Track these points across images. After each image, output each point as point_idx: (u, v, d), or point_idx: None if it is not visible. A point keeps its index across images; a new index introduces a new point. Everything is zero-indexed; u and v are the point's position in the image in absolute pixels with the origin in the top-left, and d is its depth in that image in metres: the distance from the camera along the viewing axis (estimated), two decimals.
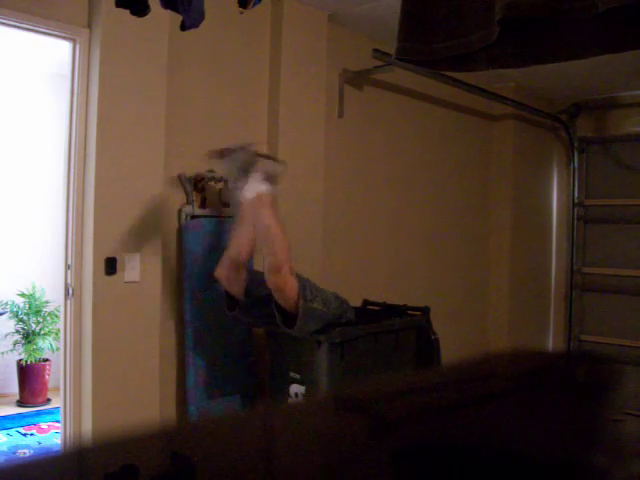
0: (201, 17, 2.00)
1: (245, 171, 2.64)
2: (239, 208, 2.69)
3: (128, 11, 1.95)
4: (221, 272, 2.69)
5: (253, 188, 2.59)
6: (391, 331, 2.96)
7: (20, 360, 4.54)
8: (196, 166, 3.00)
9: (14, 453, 3.63)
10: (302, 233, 3.32)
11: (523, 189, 5.14)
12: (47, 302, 4.68)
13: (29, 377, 4.53)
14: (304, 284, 2.58)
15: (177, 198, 2.99)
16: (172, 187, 2.97)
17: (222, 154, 2.73)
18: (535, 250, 5.37)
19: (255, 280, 2.70)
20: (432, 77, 3.82)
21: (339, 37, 3.67)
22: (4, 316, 4.59)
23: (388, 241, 4.12)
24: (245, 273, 2.70)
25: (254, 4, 2.04)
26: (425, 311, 3.22)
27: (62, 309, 2.80)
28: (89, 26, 2.68)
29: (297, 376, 2.76)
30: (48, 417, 4.29)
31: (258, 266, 3.23)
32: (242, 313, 2.75)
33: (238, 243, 2.67)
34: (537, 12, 1.38)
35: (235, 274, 2.67)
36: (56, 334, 4.49)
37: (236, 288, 2.69)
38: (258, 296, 2.68)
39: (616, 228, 5.17)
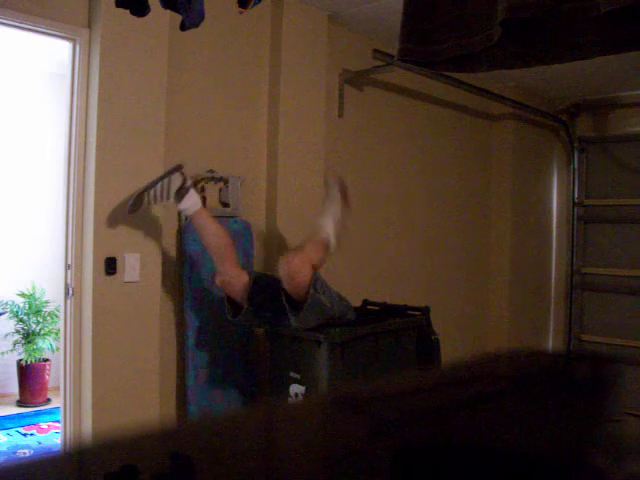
0: (201, 17, 2.00)
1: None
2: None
3: (128, 11, 1.95)
4: (221, 279, 2.69)
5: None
6: (391, 331, 2.96)
7: (20, 360, 4.54)
8: (196, 166, 3.00)
9: (14, 453, 3.63)
10: (302, 232, 3.31)
11: (523, 189, 5.14)
12: (47, 302, 4.68)
13: (29, 377, 4.53)
14: (317, 277, 2.59)
15: None
16: None
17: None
18: (535, 250, 5.37)
19: (258, 281, 2.70)
20: (432, 77, 3.82)
21: (339, 37, 3.67)
22: (4, 316, 4.59)
23: (388, 241, 4.12)
24: (246, 276, 2.69)
25: (254, 4, 2.04)
26: (425, 311, 3.22)
27: (62, 309, 2.80)
28: (89, 26, 2.68)
29: (297, 376, 2.76)
30: (48, 417, 4.29)
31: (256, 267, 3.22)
32: (246, 319, 2.74)
33: (217, 245, 2.70)
34: (539, 13, 1.38)
35: (235, 278, 2.67)
36: (56, 334, 4.49)
37: (239, 293, 2.67)
38: (262, 298, 2.67)
39: (616, 228, 5.17)
